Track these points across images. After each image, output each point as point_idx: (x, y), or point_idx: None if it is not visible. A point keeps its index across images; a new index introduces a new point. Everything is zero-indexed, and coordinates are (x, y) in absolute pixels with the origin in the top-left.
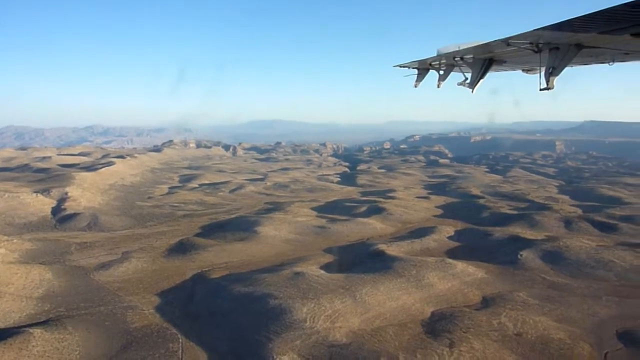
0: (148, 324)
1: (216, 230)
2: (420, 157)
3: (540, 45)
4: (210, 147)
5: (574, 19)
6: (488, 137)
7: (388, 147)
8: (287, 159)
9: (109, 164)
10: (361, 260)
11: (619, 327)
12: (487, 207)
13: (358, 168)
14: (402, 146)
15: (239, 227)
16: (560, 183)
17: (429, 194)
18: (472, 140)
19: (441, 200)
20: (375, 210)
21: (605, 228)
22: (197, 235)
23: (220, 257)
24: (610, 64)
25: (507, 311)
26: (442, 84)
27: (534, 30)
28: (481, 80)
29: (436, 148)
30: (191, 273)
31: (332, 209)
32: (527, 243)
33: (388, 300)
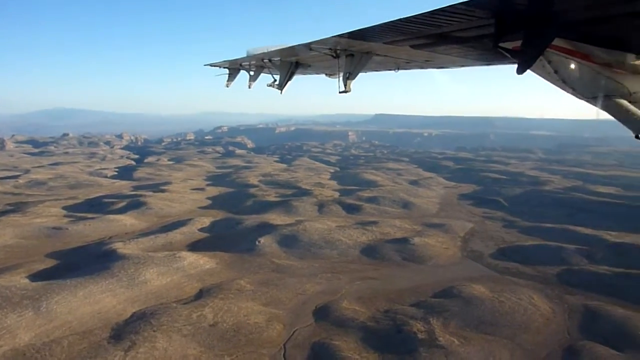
0: None
1: None
2: (219, 148)
3: (338, 52)
4: None
5: (364, 29)
6: (292, 128)
7: (191, 138)
8: (66, 153)
9: None
10: (84, 263)
11: (319, 303)
12: (254, 196)
13: (145, 160)
14: (207, 137)
15: None
16: (336, 170)
17: (208, 185)
18: (277, 132)
19: (216, 191)
20: (134, 206)
21: (351, 209)
22: None
23: None
24: (396, 71)
25: (216, 301)
26: (253, 84)
27: (333, 37)
28: (289, 82)
29: (239, 139)
30: None
31: (88, 207)
32: (271, 229)
33: (83, 306)
